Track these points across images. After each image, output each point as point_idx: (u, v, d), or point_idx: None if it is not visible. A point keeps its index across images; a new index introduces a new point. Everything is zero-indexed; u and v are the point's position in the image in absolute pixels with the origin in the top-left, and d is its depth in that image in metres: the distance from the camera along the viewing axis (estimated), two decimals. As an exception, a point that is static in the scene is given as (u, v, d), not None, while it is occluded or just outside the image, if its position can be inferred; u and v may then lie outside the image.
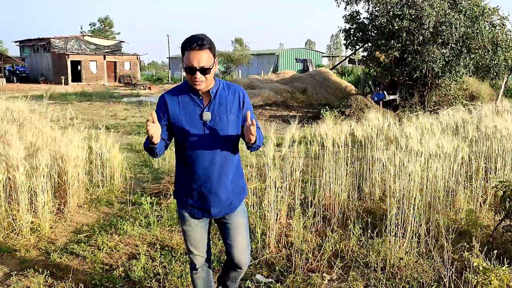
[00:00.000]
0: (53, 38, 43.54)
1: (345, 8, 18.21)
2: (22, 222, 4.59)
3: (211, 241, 3.00)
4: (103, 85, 39.65)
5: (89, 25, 73.87)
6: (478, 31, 15.69)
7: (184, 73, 2.65)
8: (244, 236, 2.88)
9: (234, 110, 2.69)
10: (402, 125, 6.54)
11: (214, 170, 2.67)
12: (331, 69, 30.69)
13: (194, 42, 2.49)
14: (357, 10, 18.34)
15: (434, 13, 15.20)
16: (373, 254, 4.00)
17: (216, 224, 2.99)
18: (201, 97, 2.65)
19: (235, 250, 2.86)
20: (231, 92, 2.71)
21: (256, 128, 2.66)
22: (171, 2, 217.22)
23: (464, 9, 15.95)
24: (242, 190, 2.88)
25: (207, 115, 2.62)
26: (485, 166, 5.92)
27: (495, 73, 17.36)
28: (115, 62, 44.75)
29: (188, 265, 3.89)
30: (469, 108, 8.94)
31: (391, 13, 15.89)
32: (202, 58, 2.50)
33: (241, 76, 35.97)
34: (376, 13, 16.68)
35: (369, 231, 4.32)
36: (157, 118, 2.58)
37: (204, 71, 2.52)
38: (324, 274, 3.85)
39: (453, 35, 15.20)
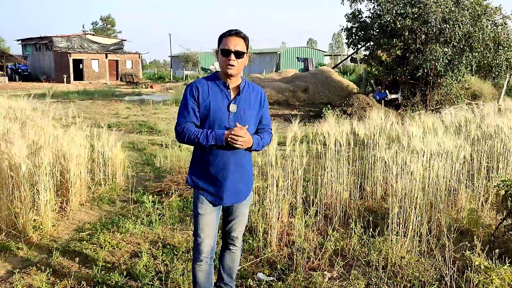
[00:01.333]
0: (55, 36, 43.59)
1: (350, 6, 18.23)
2: (24, 220, 4.60)
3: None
4: (105, 83, 39.66)
5: (92, 24, 74.02)
6: (479, 29, 15.68)
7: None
8: (245, 221, 3.17)
9: (256, 108, 2.94)
10: (404, 124, 6.54)
11: (232, 159, 2.85)
12: (333, 68, 30.64)
13: (233, 31, 2.82)
14: (359, 9, 18.35)
15: (440, 10, 15.18)
16: (374, 253, 4.00)
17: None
18: (229, 90, 2.86)
19: (235, 231, 3.12)
20: (255, 92, 2.96)
21: (265, 129, 3.03)
22: (173, 1, 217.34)
23: (466, 8, 15.94)
24: (250, 184, 3.07)
25: (233, 107, 2.83)
26: (487, 165, 5.91)
27: (497, 72, 17.34)
28: (117, 61, 44.79)
29: (190, 263, 3.91)
30: (471, 107, 8.93)
31: (394, 11, 15.88)
32: (238, 43, 2.79)
33: (243, 75, 35.93)
34: (379, 12, 16.66)
35: (371, 230, 4.32)
36: (188, 102, 2.82)
37: (238, 54, 2.78)
38: (325, 272, 3.86)
39: (457, 33, 15.18)
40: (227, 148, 2.78)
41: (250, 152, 2.97)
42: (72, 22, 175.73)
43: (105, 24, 74.28)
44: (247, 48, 2.86)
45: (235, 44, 2.77)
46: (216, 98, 2.83)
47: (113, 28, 74.86)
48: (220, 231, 3.37)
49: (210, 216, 2.95)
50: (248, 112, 2.88)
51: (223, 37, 2.82)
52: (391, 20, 15.88)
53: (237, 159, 2.87)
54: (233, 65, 2.78)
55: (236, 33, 2.80)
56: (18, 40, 49.98)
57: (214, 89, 2.85)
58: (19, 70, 44.04)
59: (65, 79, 39.39)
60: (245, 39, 2.83)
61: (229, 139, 2.71)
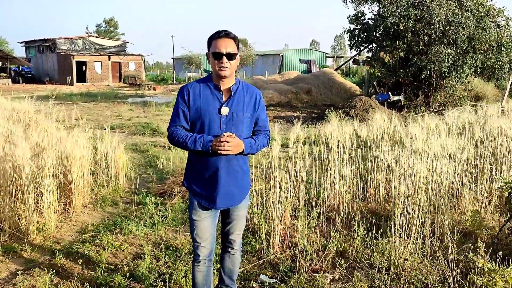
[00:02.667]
0: (59, 39, 43.71)
1: (355, 9, 18.23)
2: (28, 222, 4.61)
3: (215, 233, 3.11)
4: (108, 85, 39.78)
5: (96, 26, 74.14)
6: (483, 31, 15.67)
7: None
8: (243, 223, 3.14)
9: (249, 110, 2.88)
10: (407, 126, 6.53)
11: (224, 162, 2.82)
12: (335, 70, 30.65)
13: (222, 32, 2.77)
14: (361, 11, 18.35)
15: (443, 12, 15.18)
16: (377, 255, 4.00)
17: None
18: (221, 93, 2.82)
19: (233, 234, 3.12)
20: (249, 93, 2.91)
21: (261, 131, 2.97)
22: (176, 3, 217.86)
23: (470, 9, 15.93)
24: (246, 186, 3.04)
25: (225, 110, 2.79)
26: (491, 167, 5.90)
27: (500, 74, 17.31)
28: (120, 63, 44.88)
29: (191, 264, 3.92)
30: (474, 109, 8.91)
31: (397, 13, 15.88)
32: (228, 44, 2.75)
33: (246, 77, 35.99)
34: (382, 14, 16.64)
35: (374, 231, 4.31)
36: (179, 105, 2.84)
37: (230, 56, 2.76)
38: (328, 274, 3.86)
39: (461, 34, 15.15)
40: (218, 154, 2.75)
41: (245, 155, 2.92)
42: (75, 24, 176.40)
43: (108, 27, 74.43)
44: (238, 48, 2.84)
45: (226, 46, 2.74)
46: (207, 101, 2.81)
47: (116, 31, 74.98)
48: (219, 233, 3.37)
49: (206, 221, 2.93)
50: (240, 114, 2.83)
51: (212, 40, 2.78)
52: (394, 22, 15.87)
53: (229, 163, 2.84)
54: (226, 67, 2.75)
55: (226, 34, 2.76)
56: (21, 42, 50.13)
57: (205, 91, 2.83)
58: (23, 72, 44.21)
59: (68, 81, 39.49)
60: (235, 39, 2.80)
61: (216, 146, 2.68)
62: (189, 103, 2.82)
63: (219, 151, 2.69)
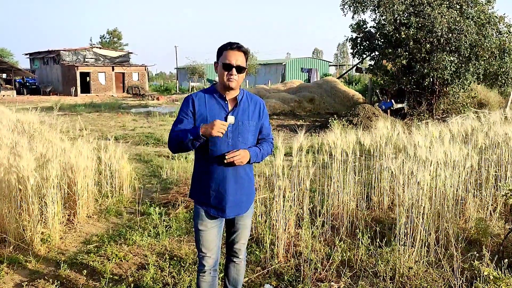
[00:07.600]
0: (63, 50, 44.05)
1: (353, 17, 18.34)
2: (32, 233, 4.63)
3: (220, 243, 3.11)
4: (112, 96, 39.98)
5: (100, 37, 74.64)
6: (485, 38, 15.71)
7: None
8: (248, 233, 3.16)
9: (255, 118, 2.93)
10: (410, 134, 6.52)
11: (231, 171, 2.85)
12: (338, 78, 30.73)
13: (235, 44, 2.81)
14: (363, 19, 18.45)
15: (445, 20, 15.24)
16: (382, 263, 3.98)
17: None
18: (226, 102, 2.85)
19: (238, 243, 3.13)
20: (253, 102, 2.95)
21: (265, 139, 3.02)
22: (179, 14, 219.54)
23: (471, 16, 15.98)
24: (252, 194, 3.07)
25: (231, 119, 2.80)
26: (495, 174, 5.88)
27: (503, 81, 17.31)
28: (123, 73, 45.15)
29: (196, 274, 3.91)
30: (478, 116, 8.89)
31: (398, 21, 15.95)
32: (239, 57, 2.80)
33: (249, 86, 36.10)
34: (383, 22, 16.74)
35: (378, 240, 4.30)
36: (183, 115, 2.83)
37: (240, 69, 2.79)
38: (332, 283, 3.84)
39: (464, 42, 15.18)
40: (225, 165, 2.79)
41: (250, 164, 2.95)
42: (79, 35, 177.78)
43: (111, 37, 74.94)
44: (247, 62, 2.88)
45: (237, 58, 2.78)
46: (213, 110, 2.84)
47: (119, 41, 75.47)
48: (223, 242, 3.37)
49: (211, 231, 2.95)
50: (246, 123, 2.87)
51: (224, 50, 2.82)
52: (395, 30, 15.93)
53: (236, 171, 2.87)
54: (235, 79, 2.78)
55: (238, 47, 2.80)
56: (26, 54, 50.57)
57: (211, 101, 2.86)
58: (27, 84, 44.53)
59: (72, 92, 39.73)
60: (246, 53, 2.85)
61: (228, 160, 2.73)
62: (195, 112, 2.84)
63: (234, 161, 2.75)
